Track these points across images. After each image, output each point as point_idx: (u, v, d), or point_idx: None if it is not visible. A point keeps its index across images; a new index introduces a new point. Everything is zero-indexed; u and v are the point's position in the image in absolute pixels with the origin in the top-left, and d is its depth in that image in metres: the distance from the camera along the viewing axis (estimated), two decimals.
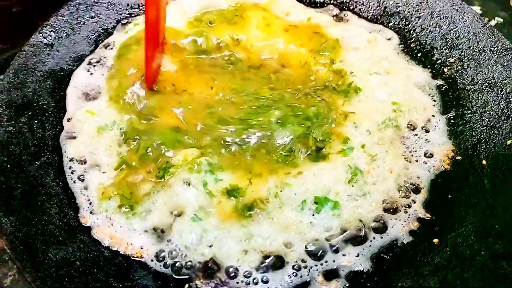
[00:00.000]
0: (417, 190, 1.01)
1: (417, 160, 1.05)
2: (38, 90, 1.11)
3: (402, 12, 1.31)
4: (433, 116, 1.13)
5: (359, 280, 0.88)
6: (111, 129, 1.04)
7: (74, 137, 1.05)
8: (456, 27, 1.23)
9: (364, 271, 0.89)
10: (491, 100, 1.10)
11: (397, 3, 1.32)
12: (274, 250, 0.90)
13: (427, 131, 1.10)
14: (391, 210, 0.97)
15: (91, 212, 0.95)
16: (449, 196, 0.99)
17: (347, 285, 0.87)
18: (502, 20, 1.69)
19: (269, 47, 1.22)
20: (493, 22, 1.67)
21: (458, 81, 1.17)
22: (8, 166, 0.96)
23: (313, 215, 0.94)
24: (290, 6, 1.32)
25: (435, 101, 1.16)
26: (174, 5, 1.29)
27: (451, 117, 1.13)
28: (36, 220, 0.90)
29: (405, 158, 1.05)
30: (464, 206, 0.96)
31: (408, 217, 0.97)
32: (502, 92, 1.10)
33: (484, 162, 1.02)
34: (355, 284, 0.88)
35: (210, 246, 0.90)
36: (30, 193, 0.94)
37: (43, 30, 1.19)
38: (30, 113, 1.06)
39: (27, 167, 0.98)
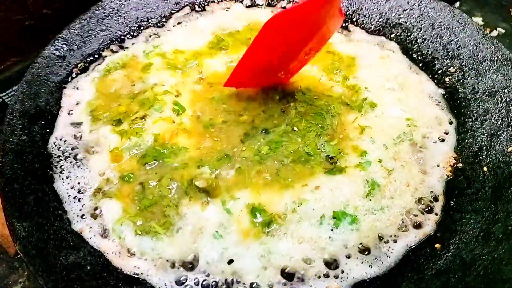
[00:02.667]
0: (434, 202, 1.02)
1: (432, 172, 1.06)
2: (51, 101, 1.14)
3: (404, 23, 1.34)
4: (447, 128, 1.15)
5: (363, 283, 0.90)
6: (133, 150, 1.05)
7: (93, 153, 1.06)
8: (457, 37, 1.26)
9: (368, 274, 0.91)
10: (491, 108, 1.12)
11: (399, 15, 1.35)
12: (293, 265, 0.91)
13: (442, 142, 1.11)
14: (411, 224, 0.98)
15: (103, 236, 0.95)
16: (451, 202, 1.01)
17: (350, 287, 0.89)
18: (503, 31, 1.72)
19: None
20: (494, 33, 1.70)
21: (459, 90, 1.19)
22: (22, 173, 0.99)
23: (332, 229, 0.94)
24: None
25: (447, 113, 1.17)
26: (190, 26, 1.34)
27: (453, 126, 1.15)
28: (48, 225, 0.93)
29: (420, 171, 1.05)
30: (466, 212, 0.98)
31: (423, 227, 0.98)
32: (503, 101, 1.12)
33: (485, 169, 1.04)
34: None
35: (230, 263, 0.91)
36: (43, 200, 0.97)
37: (56, 43, 1.23)
38: (43, 122, 1.10)
39: (40, 174, 1.01)
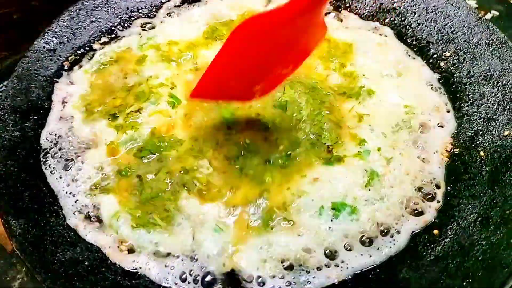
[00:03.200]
0: (436, 189, 1.01)
1: (432, 159, 1.05)
2: (42, 95, 1.13)
3: (398, 8, 1.32)
4: (444, 113, 1.14)
5: (363, 272, 0.90)
6: (129, 144, 1.04)
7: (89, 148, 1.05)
8: (451, 21, 1.25)
9: (367, 264, 0.91)
10: (487, 92, 1.12)
11: (393, 0, 1.33)
12: (293, 257, 0.90)
13: (440, 128, 1.11)
14: (412, 212, 0.97)
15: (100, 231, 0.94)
16: (448, 188, 1.01)
17: (350, 276, 0.89)
18: (497, 13, 1.70)
19: None
20: (488, 15, 1.69)
21: (455, 75, 1.18)
22: (15, 170, 0.98)
23: (331, 220, 0.94)
24: None
25: (444, 99, 1.16)
26: (184, 17, 1.32)
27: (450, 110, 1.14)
28: (44, 222, 0.92)
29: (419, 158, 1.04)
30: (463, 198, 0.98)
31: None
32: (498, 84, 1.11)
33: (482, 153, 1.04)
34: (359, 276, 0.89)
35: (230, 256, 0.90)
36: (38, 196, 0.96)
37: (45, 36, 1.21)
38: (35, 117, 1.08)
39: (33, 170, 1.00)
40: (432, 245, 0.92)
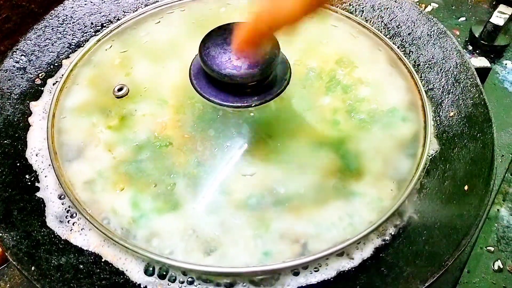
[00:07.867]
0: None
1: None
2: (17, 113, 1.16)
3: (347, 7, 1.43)
4: None
5: None
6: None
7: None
8: (396, 16, 1.37)
9: None
10: (432, 79, 1.24)
11: (341, 0, 1.44)
12: None
13: None
14: None
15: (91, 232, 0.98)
16: None
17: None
18: (437, 5, 1.85)
19: None
20: (429, 8, 1.84)
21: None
22: (1, 186, 1.01)
23: None
24: None
25: None
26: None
27: None
28: (35, 233, 0.96)
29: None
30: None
31: None
32: (442, 71, 1.24)
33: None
34: None
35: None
36: (25, 209, 1.00)
37: (14, 55, 1.24)
38: (16, 135, 1.11)
39: (18, 186, 1.03)
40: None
